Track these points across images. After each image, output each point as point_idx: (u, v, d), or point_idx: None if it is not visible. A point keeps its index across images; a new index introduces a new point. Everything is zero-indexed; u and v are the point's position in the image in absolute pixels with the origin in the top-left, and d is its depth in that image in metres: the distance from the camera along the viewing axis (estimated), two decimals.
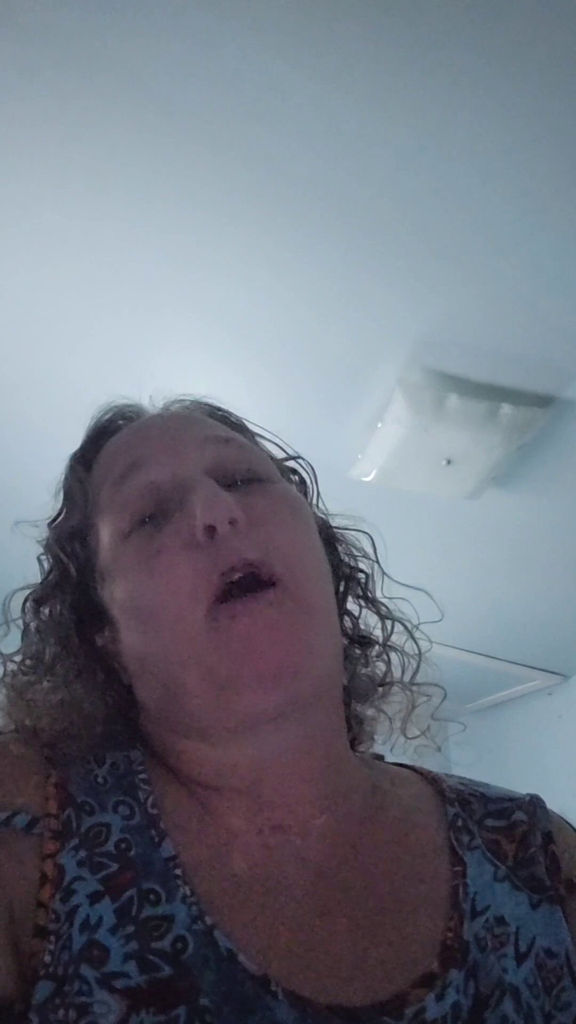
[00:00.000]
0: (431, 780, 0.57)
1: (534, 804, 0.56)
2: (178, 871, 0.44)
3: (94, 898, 0.42)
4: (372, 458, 1.64)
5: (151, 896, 0.42)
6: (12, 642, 0.56)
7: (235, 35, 0.96)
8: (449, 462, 1.62)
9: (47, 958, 0.39)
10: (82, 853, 0.43)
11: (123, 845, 0.44)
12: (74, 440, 0.61)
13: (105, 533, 0.52)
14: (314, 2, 0.92)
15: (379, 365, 1.48)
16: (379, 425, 1.58)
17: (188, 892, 0.43)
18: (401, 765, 0.60)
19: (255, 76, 1.01)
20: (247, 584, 0.46)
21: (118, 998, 0.38)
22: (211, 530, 0.46)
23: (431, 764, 0.60)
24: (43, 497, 0.59)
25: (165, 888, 0.43)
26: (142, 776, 0.49)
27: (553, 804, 0.57)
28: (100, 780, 0.48)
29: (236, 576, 0.46)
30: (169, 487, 0.50)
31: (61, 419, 1.59)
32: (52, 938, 0.40)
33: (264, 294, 1.36)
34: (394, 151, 1.10)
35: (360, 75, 1.00)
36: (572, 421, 1.57)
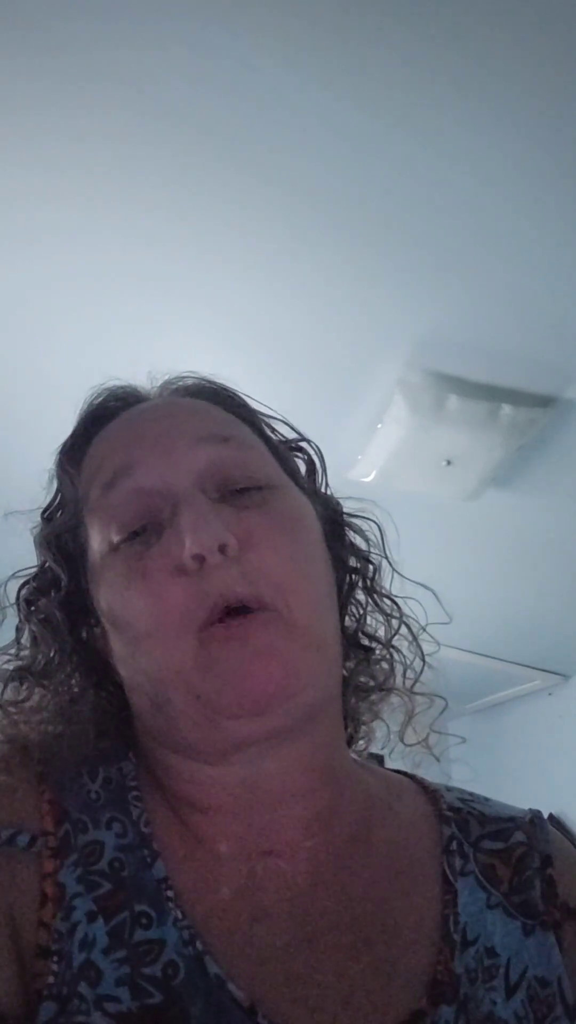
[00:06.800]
0: (429, 794, 0.55)
1: (535, 824, 0.54)
2: (169, 893, 0.43)
3: (90, 917, 0.41)
4: (372, 459, 1.64)
5: (143, 920, 0.42)
6: (8, 627, 0.55)
7: (237, 42, 0.96)
8: (449, 463, 1.62)
9: (51, 979, 0.39)
10: (80, 870, 0.43)
11: (116, 864, 0.44)
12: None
13: (95, 538, 0.50)
14: (314, 10, 0.92)
15: (379, 366, 1.48)
16: (379, 426, 1.58)
17: (179, 915, 0.42)
18: (401, 773, 0.58)
19: (256, 83, 1.01)
20: (238, 610, 0.44)
21: (111, 1022, 0.38)
22: (200, 558, 0.44)
23: (430, 761, 0.58)
24: (37, 489, 0.58)
25: (157, 911, 0.42)
26: (134, 793, 0.48)
27: (553, 804, 0.56)
28: (93, 796, 0.47)
29: (225, 606, 0.44)
30: (159, 496, 0.48)
31: (64, 414, 1.60)
32: (55, 958, 0.39)
33: (264, 295, 1.36)
34: (394, 155, 1.10)
35: (360, 82, 1.00)
36: (572, 422, 1.57)
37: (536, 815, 0.55)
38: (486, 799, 0.56)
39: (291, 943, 0.44)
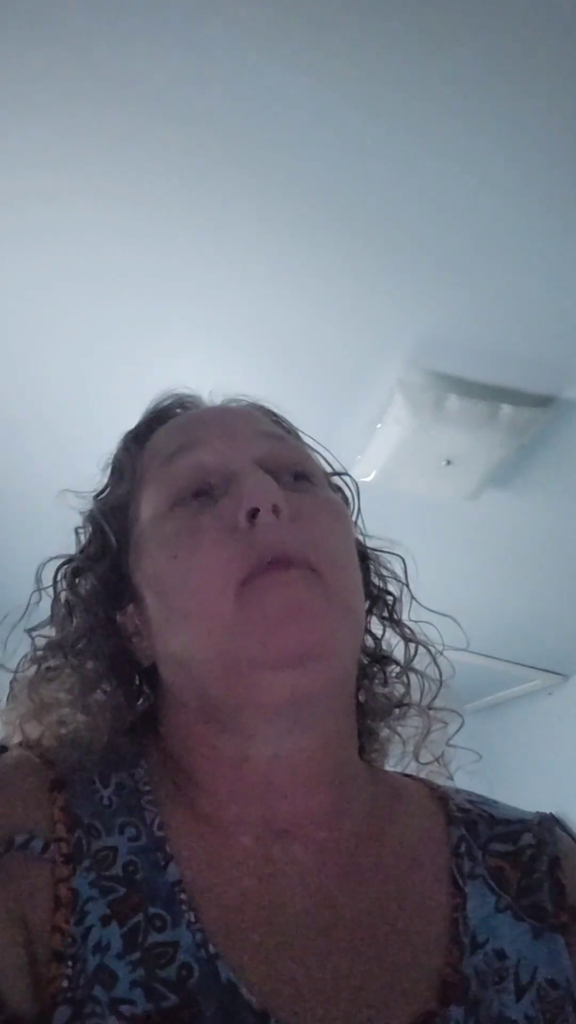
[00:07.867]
0: (438, 797, 0.55)
1: (544, 826, 0.54)
2: (183, 895, 0.43)
3: (104, 921, 0.42)
4: (372, 459, 1.64)
5: (157, 922, 0.42)
6: (43, 610, 0.57)
7: (237, 42, 0.96)
8: (449, 463, 1.62)
9: (65, 983, 0.39)
10: (93, 875, 0.43)
11: (130, 868, 0.44)
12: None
13: (147, 507, 0.52)
14: (313, 9, 0.92)
15: (379, 366, 1.48)
16: (379, 426, 1.58)
17: (193, 918, 0.43)
18: (409, 776, 0.58)
19: (256, 82, 1.01)
20: (281, 564, 0.45)
21: None
22: (254, 513, 0.46)
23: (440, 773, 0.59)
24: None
25: (171, 913, 0.43)
26: (148, 797, 0.48)
27: (553, 804, 0.56)
28: (106, 802, 0.47)
29: (270, 559, 0.45)
30: (217, 472, 0.50)
31: (64, 414, 1.60)
32: (69, 962, 0.40)
33: (264, 296, 1.36)
34: (393, 155, 1.10)
35: (359, 82, 1.00)
36: (572, 422, 1.57)
37: (545, 817, 0.55)
38: (495, 801, 0.57)
39: (303, 943, 0.44)
